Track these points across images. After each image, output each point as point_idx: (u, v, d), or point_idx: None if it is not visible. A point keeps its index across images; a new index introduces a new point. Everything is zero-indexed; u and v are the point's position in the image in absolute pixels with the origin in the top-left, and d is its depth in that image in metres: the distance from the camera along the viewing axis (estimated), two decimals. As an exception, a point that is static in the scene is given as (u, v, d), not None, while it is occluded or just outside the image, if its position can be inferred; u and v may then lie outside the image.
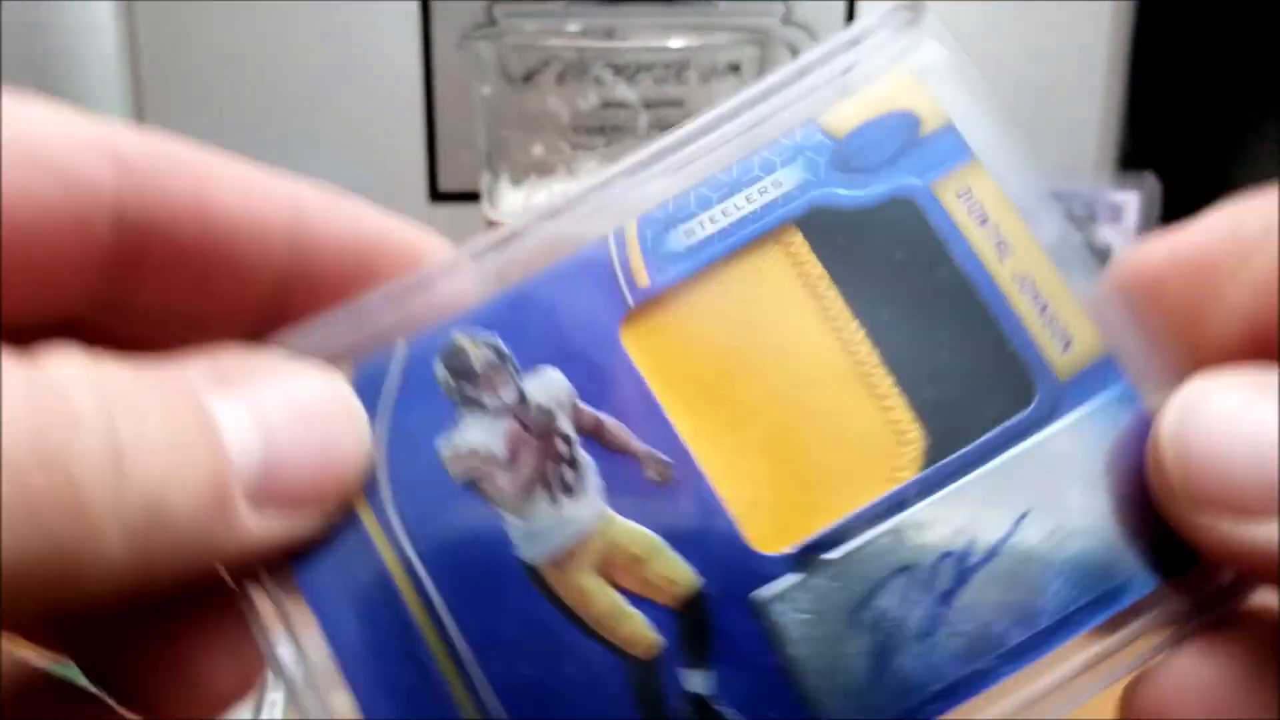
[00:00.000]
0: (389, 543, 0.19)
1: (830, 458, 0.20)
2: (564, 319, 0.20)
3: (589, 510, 0.19)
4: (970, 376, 0.20)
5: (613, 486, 0.19)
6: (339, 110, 0.59)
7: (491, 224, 0.53)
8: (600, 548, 0.19)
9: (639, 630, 0.19)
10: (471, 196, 0.57)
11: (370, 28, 0.57)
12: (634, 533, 0.19)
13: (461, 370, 0.20)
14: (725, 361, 0.20)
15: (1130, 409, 0.19)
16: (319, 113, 0.59)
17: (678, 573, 0.19)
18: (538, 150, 0.49)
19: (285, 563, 0.18)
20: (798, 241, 0.20)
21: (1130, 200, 0.59)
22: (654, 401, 0.20)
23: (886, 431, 0.20)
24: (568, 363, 0.20)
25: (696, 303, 0.20)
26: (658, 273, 0.20)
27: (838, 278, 0.20)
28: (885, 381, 0.20)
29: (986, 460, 0.19)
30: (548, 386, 0.20)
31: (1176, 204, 0.61)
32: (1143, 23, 0.61)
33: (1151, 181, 0.58)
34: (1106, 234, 0.60)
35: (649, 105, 0.47)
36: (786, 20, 0.58)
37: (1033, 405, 0.20)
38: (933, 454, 0.20)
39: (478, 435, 0.19)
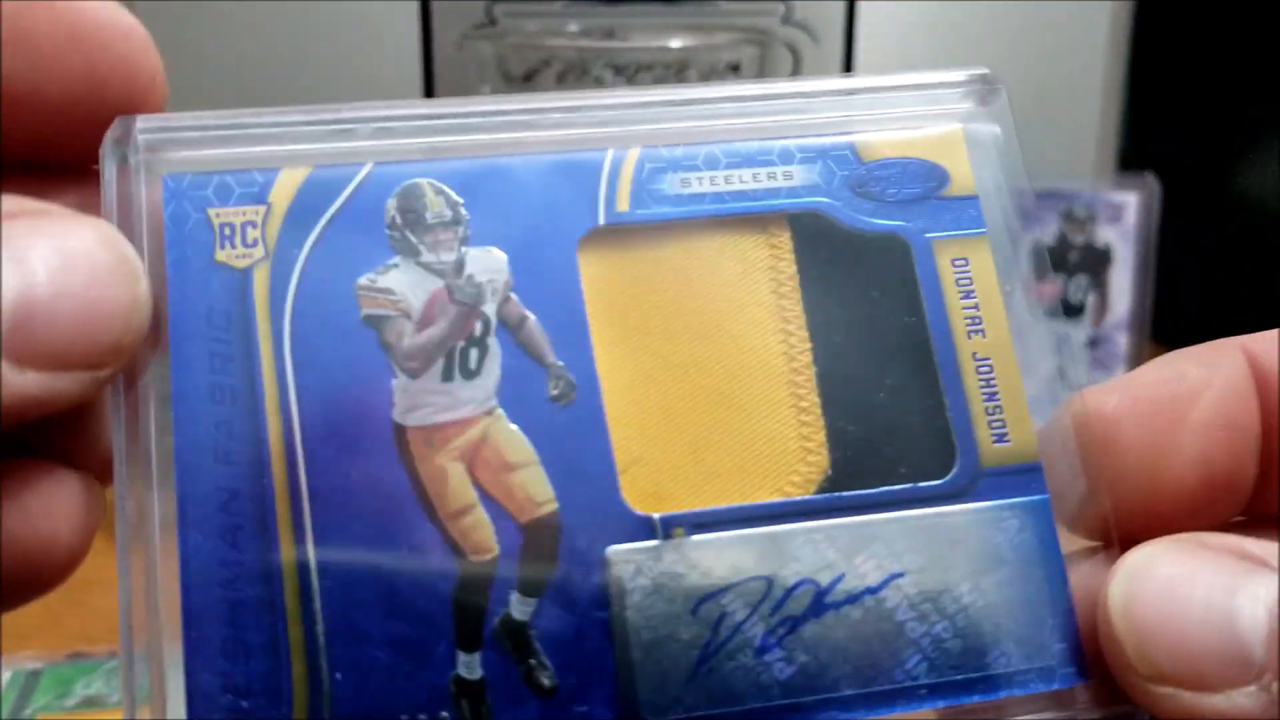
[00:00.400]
0: (272, 351, 0.18)
1: (731, 447, 0.20)
2: (532, 209, 0.19)
3: (480, 398, 0.19)
4: (896, 428, 0.20)
5: (511, 386, 0.19)
6: (339, 110, 0.59)
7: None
8: (475, 439, 0.19)
9: (483, 533, 0.18)
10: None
11: (370, 28, 0.57)
12: (515, 438, 0.19)
13: (412, 215, 0.19)
14: (667, 317, 0.20)
15: (1041, 524, 0.19)
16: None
17: (542, 493, 0.18)
18: (538, 150, 0.49)
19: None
20: (784, 237, 0.20)
21: (1130, 200, 0.59)
22: (584, 325, 0.19)
23: (795, 445, 0.20)
24: (517, 251, 0.19)
25: (664, 251, 0.20)
26: (639, 204, 0.20)
27: (807, 284, 0.20)
28: (812, 399, 0.20)
29: (880, 510, 0.19)
30: (488, 265, 0.19)
31: (1176, 204, 0.61)
32: (1143, 23, 0.61)
33: (1151, 181, 0.58)
34: (1106, 234, 0.60)
35: (649, 105, 0.47)
36: (786, 20, 0.58)
37: (946, 479, 0.20)
38: (830, 483, 0.19)
39: (400, 282, 0.19)
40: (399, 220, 0.19)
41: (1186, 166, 0.74)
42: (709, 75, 0.47)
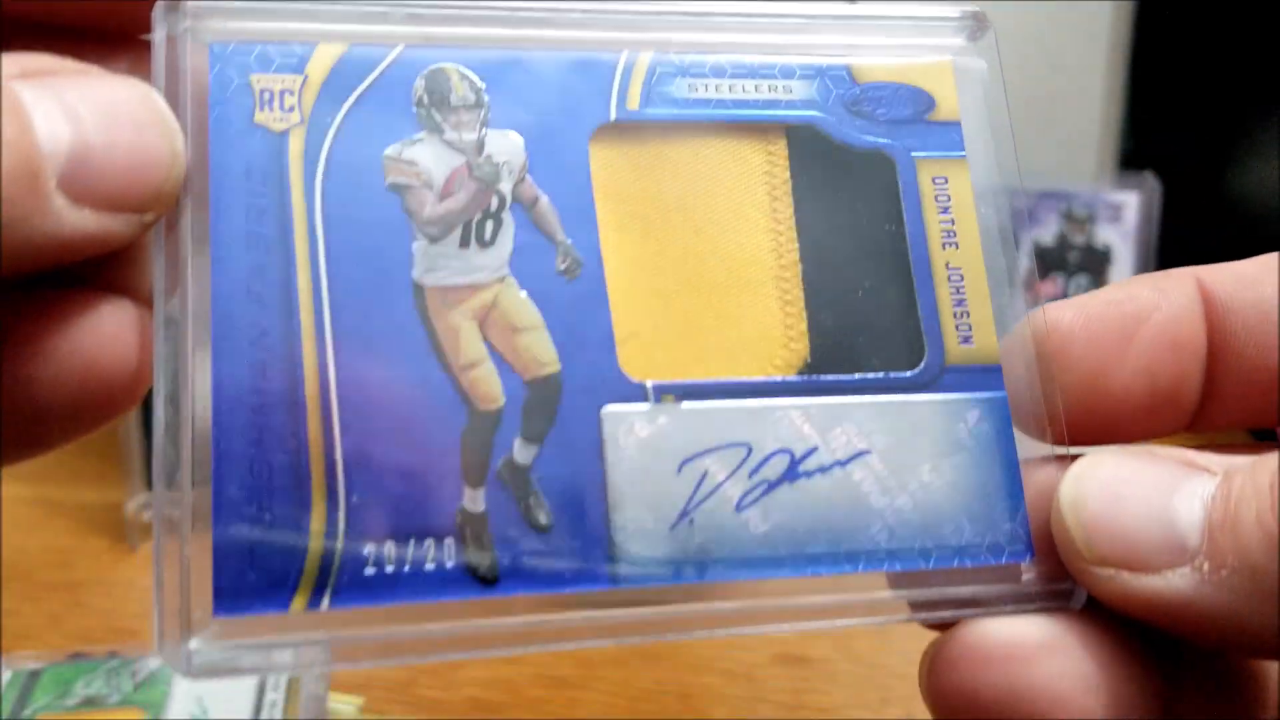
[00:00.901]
0: (305, 208, 0.20)
1: (721, 330, 0.21)
2: (549, 100, 0.21)
3: (493, 265, 0.20)
4: (871, 323, 0.22)
5: (522, 258, 0.20)
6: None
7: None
8: (487, 301, 0.20)
9: (491, 385, 0.20)
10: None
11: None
12: (523, 304, 0.20)
13: (438, 95, 0.21)
14: (668, 209, 0.22)
15: (998, 418, 0.21)
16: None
17: (546, 354, 0.20)
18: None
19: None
20: (780, 145, 0.22)
21: (1130, 200, 0.59)
22: (592, 209, 0.21)
23: (779, 331, 0.22)
24: (533, 137, 0.21)
25: (670, 149, 0.22)
26: (648, 104, 0.21)
27: (798, 190, 0.22)
28: (796, 292, 0.22)
29: (853, 394, 0.21)
30: (507, 147, 0.21)
31: (1176, 204, 0.61)
32: (1143, 23, 0.61)
33: (1151, 181, 0.58)
34: (1106, 234, 0.60)
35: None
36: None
37: (915, 372, 0.21)
38: (809, 368, 0.21)
39: (425, 154, 0.20)
40: (426, 99, 0.21)
41: (1186, 166, 0.74)
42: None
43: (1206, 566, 0.18)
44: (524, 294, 0.20)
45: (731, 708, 0.47)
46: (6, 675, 0.42)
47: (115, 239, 0.18)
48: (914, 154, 0.22)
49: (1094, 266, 0.58)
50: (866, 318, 0.22)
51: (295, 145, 0.20)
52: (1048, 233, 0.58)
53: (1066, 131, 0.61)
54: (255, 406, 0.19)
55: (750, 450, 0.20)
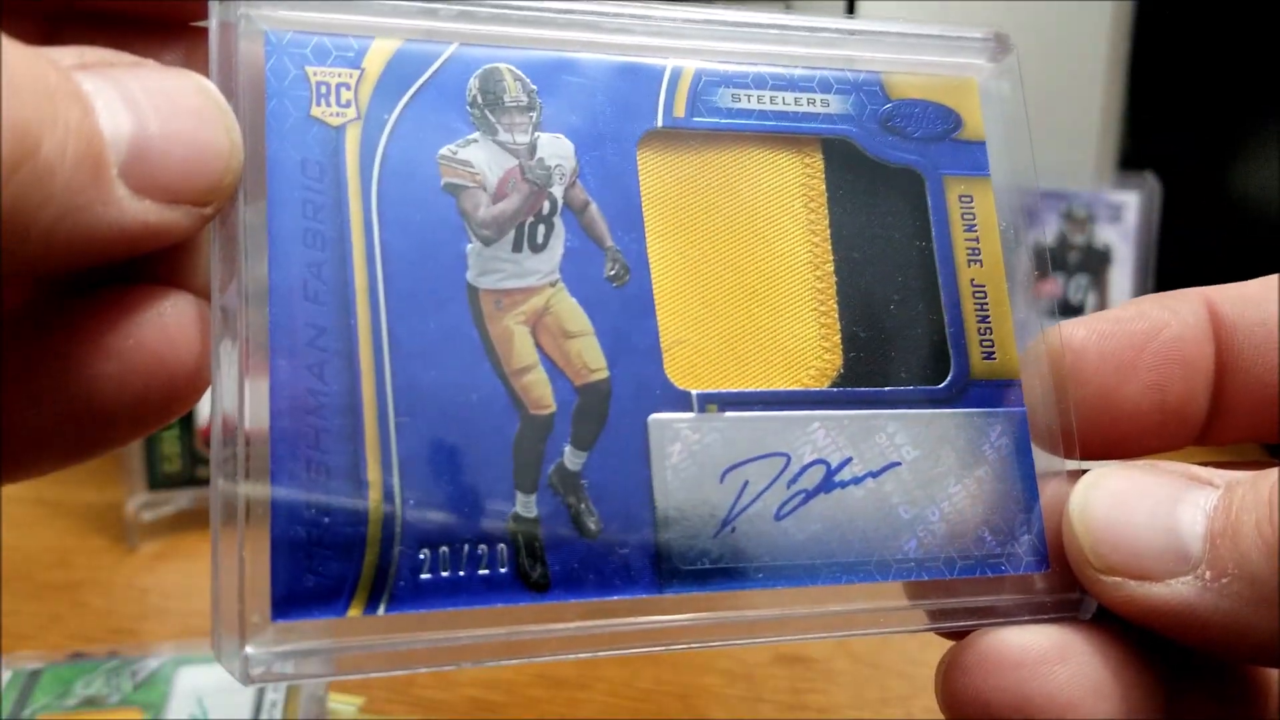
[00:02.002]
0: (361, 205, 0.19)
1: (760, 339, 0.22)
2: (598, 105, 0.21)
3: (545, 270, 0.20)
4: (901, 337, 0.22)
5: (572, 263, 0.21)
6: None
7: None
8: (539, 306, 0.20)
9: (543, 390, 0.20)
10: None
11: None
12: (574, 309, 0.20)
13: (492, 96, 0.21)
14: (711, 218, 0.22)
15: (1018, 432, 0.22)
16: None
17: (596, 361, 0.20)
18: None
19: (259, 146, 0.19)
20: (817, 158, 0.23)
21: (1130, 200, 0.59)
22: (640, 215, 0.21)
23: (815, 343, 0.22)
24: (583, 142, 0.21)
25: (713, 157, 0.22)
26: (694, 113, 0.22)
27: (833, 202, 0.23)
28: (831, 304, 0.22)
29: (883, 407, 0.22)
30: (558, 151, 0.21)
31: (1176, 204, 0.61)
32: (1143, 23, 0.61)
33: (1151, 181, 0.58)
34: (1106, 234, 0.60)
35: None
36: (786, 20, 0.58)
37: (941, 385, 0.22)
38: (842, 379, 0.22)
39: (479, 156, 0.20)
40: (480, 100, 0.21)
41: (1186, 166, 0.74)
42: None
43: (1208, 575, 0.19)
44: (574, 299, 0.21)
45: (731, 708, 0.47)
46: (6, 675, 0.42)
47: (175, 231, 0.18)
48: (942, 172, 0.23)
49: (1094, 266, 0.58)
50: (896, 331, 0.22)
51: (352, 141, 0.20)
52: (1048, 233, 0.58)
53: (1066, 131, 0.61)
54: (312, 408, 0.19)
55: (789, 460, 0.21)
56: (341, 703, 0.43)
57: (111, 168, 0.16)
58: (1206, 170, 0.73)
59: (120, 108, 0.17)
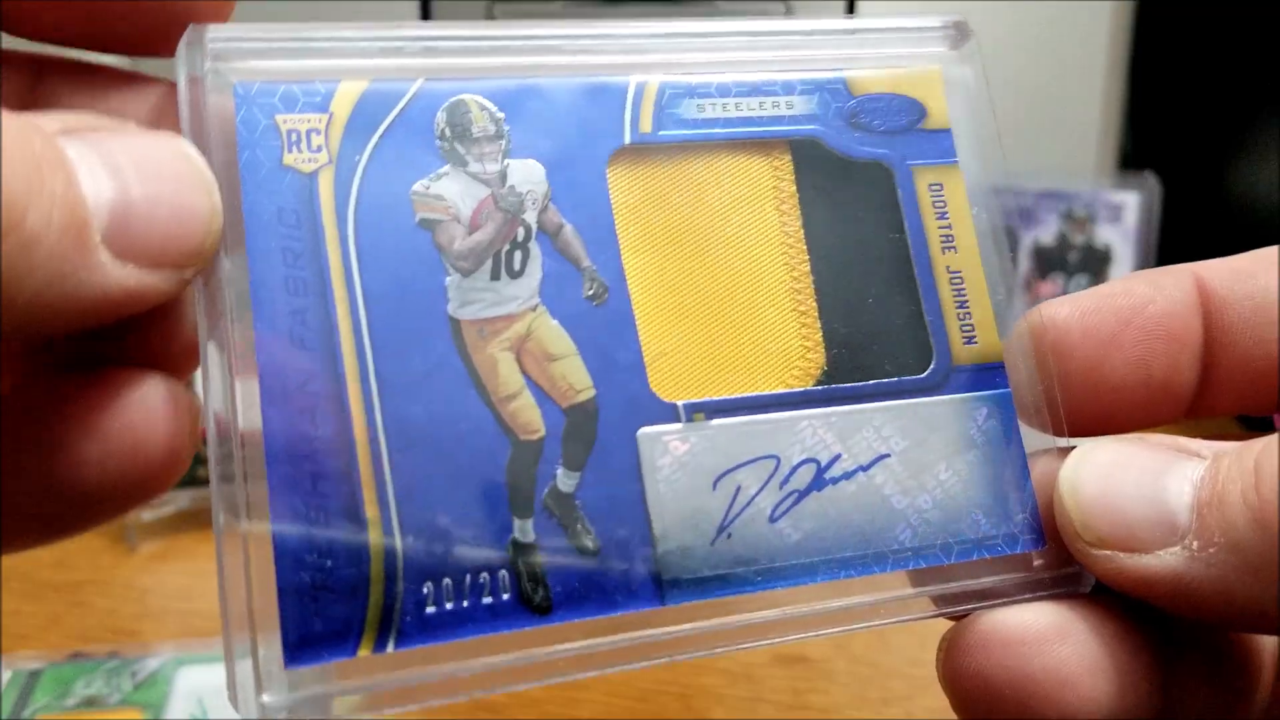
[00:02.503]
0: (339, 249, 0.20)
1: (741, 344, 0.22)
2: (566, 128, 0.21)
3: (524, 296, 0.21)
4: (881, 330, 0.23)
5: (551, 286, 0.21)
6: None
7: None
8: (521, 332, 0.21)
9: (531, 415, 0.20)
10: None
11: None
12: (556, 332, 0.21)
13: (460, 128, 0.21)
14: (685, 229, 0.22)
15: (1004, 414, 0.23)
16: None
17: (580, 380, 0.21)
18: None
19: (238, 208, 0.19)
20: (785, 160, 0.23)
21: (1130, 200, 0.59)
22: (613, 233, 0.21)
23: (796, 343, 0.22)
24: (553, 165, 0.21)
25: (683, 169, 0.22)
26: (660, 126, 0.22)
27: (805, 203, 0.23)
28: (810, 303, 0.23)
29: (869, 401, 0.22)
30: (529, 176, 0.21)
31: (1176, 204, 0.61)
32: (1143, 23, 0.61)
33: (1151, 181, 0.58)
34: (1106, 234, 0.60)
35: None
36: (786, 20, 0.58)
37: (925, 374, 0.23)
38: (826, 376, 0.22)
39: (451, 189, 0.21)
40: (448, 133, 0.21)
41: (1186, 166, 0.74)
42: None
43: (1196, 544, 0.19)
44: (555, 322, 0.21)
45: (731, 708, 0.47)
46: (6, 675, 0.42)
47: (157, 294, 0.18)
48: (910, 163, 0.23)
49: (1094, 266, 0.58)
50: (876, 325, 0.23)
51: (325, 186, 0.20)
52: (1048, 233, 0.58)
53: (1066, 131, 0.61)
54: (306, 453, 0.19)
55: (779, 462, 0.21)
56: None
57: (95, 234, 0.17)
58: (1206, 170, 0.73)
59: (103, 174, 0.17)
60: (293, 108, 0.20)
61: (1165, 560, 0.19)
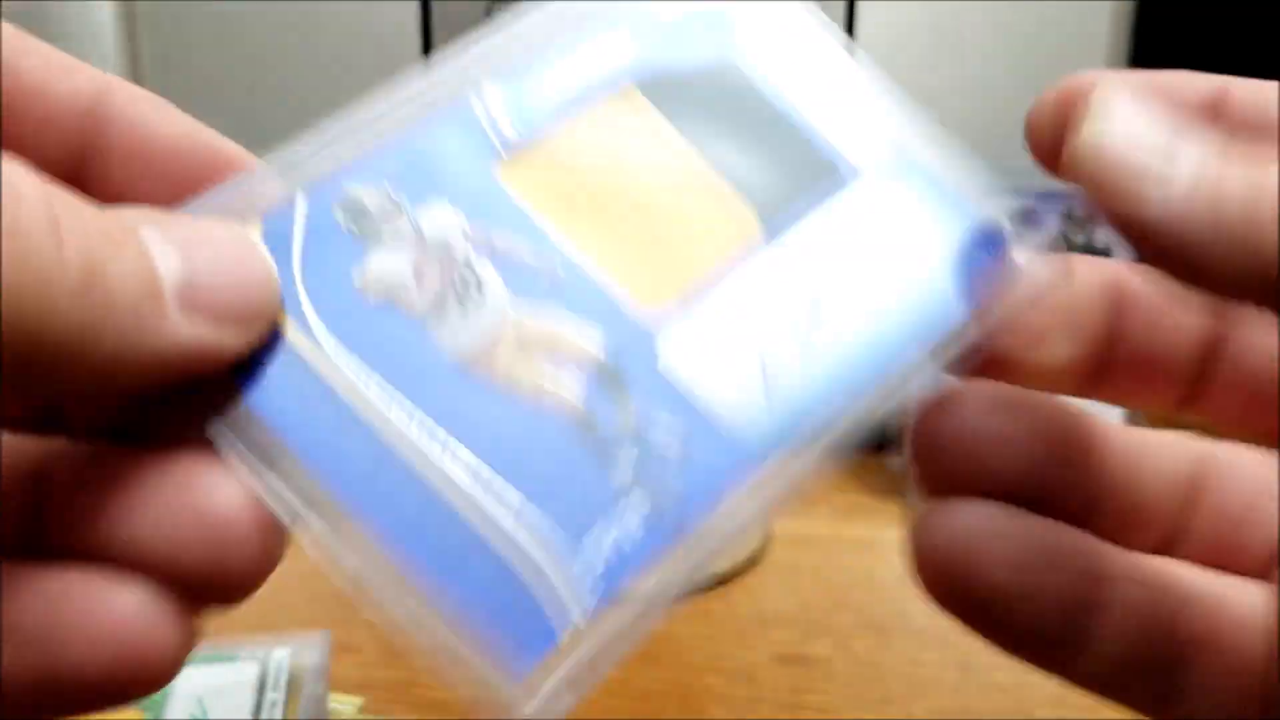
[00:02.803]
0: (339, 373, 0.21)
1: (690, 240, 0.24)
2: (443, 163, 0.23)
3: (497, 309, 0.22)
4: (788, 173, 0.25)
5: (515, 290, 0.22)
6: (339, 110, 0.59)
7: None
8: (515, 336, 0.22)
9: (569, 390, 0.22)
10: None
11: (370, 28, 0.58)
12: (543, 319, 0.22)
13: (359, 213, 0.22)
14: (591, 184, 0.24)
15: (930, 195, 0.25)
16: (320, 113, 0.59)
17: (589, 341, 0.22)
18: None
19: (240, 404, 0.20)
20: (639, 99, 0.25)
21: (1130, 200, 0.59)
22: (535, 223, 0.23)
23: (729, 220, 0.24)
24: (455, 197, 0.23)
25: (560, 143, 0.24)
26: (519, 124, 0.24)
27: (674, 119, 0.25)
28: (723, 185, 0.24)
29: (810, 219, 0.24)
30: (439, 218, 0.23)
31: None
32: (1143, 23, 0.61)
33: (1151, 182, 0.58)
34: (1107, 234, 0.60)
35: (649, 105, 0.47)
36: (786, 20, 0.58)
37: (842, 184, 0.25)
38: (768, 229, 0.24)
39: (384, 264, 0.22)
40: (352, 223, 0.22)
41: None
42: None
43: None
44: (535, 317, 0.22)
45: (731, 708, 0.47)
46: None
47: (226, 350, 0.20)
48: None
49: (1094, 266, 0.58)
50: (783, 172, 0.25)
51: (292, 332, 0.21)
52: (1048, 233, 0.58)
53: (1066, 131, 0.61)
54: (419, 529, 0.20)
55: (784, 310, 0.23)
56: (342, 703, 0.43)
57: (166, 292, 0.19)
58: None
59: (170, 246, 0.19)
60: None
61: (1147, 198, 0.20)
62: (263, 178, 0.22)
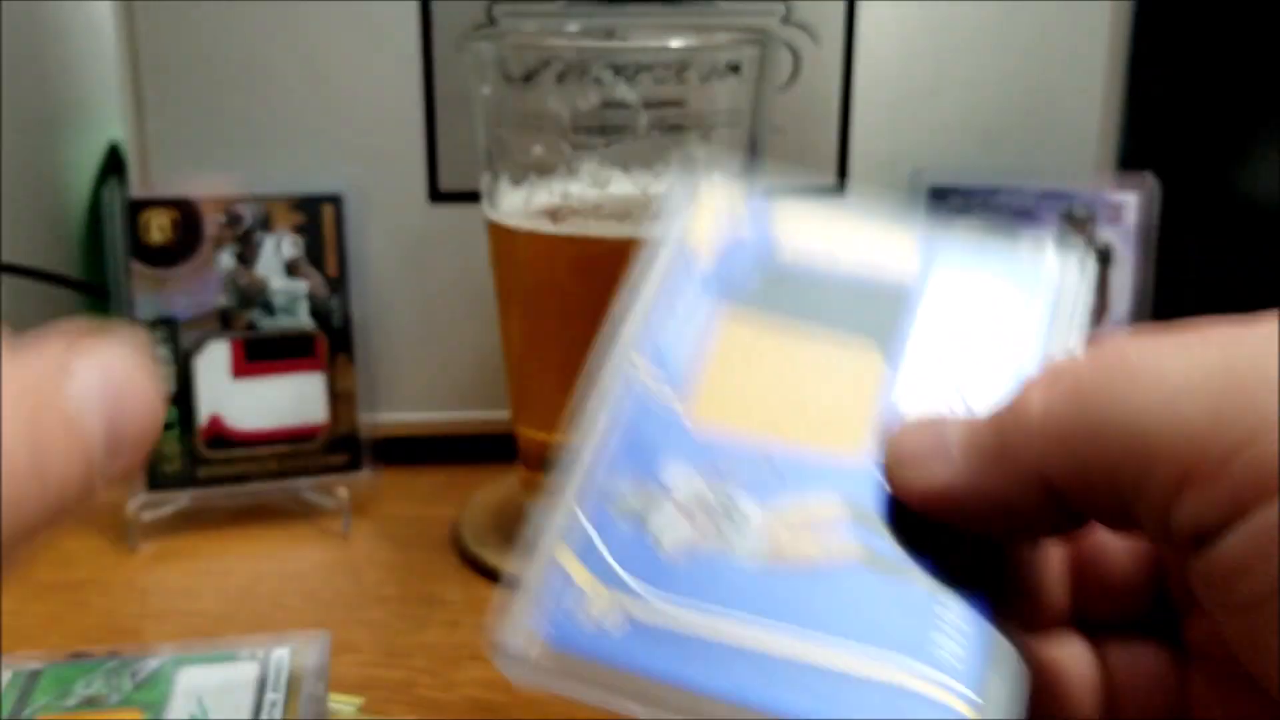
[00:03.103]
0: (661, 609, 0.24)
1: (843, 388, 0.28)
2: (650, 436, 0.27)
3: (758, 515, 0.26)
4: (870, 310, 0.30)
5: (759, 496, 0.26)
6: (339, 110, 0.59)
7: (491, 224, 0.53)
8: (783, 526, 0.26)
9: (842, 538, 0.25)
10: (471, 196, 0.57)
11: (370, 28, 0.57)
12: (791, 507, 0.26)
13: (623, 500, 0.26)
14: (751, 387, 0.28)
15: None
16: (319, 113, 0.59)
17: (830, 500, 0.26)
18: (538, 150, 0.49)
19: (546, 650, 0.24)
20: (729, 307, 0.30)
21: (1130, 200, 0.59)
22: (733, 439, 0.27)
23: (857, 362, 0.29)
24: (675, 454, 0.27)
25: (711, 372, 0.28)
26: (674, 375, 0.28)
27: (765, 312, 0.30)
28: (835, 339, 0.29)
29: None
30: (676, 474, 0.27)
31: (1176, 204, 0.61)
32: (1143, 23, 0.61)
33: (1151, 181, 0.58)
34: (1106, 234, 0.60)
35: (649, 105, 0.47)
36: (786, 20, 0.58)
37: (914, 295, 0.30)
38: (888, 355, 0.28)
39: (666, 527, 0.26)
40: (626, 510, 0.26)
41: (1186, 166, 0.74)
42: (709, 75, 0.47)
43: (957, 454, 0.25)
44: (783, 502, 0.26)
45: (731, 708, 0.47)
46: (6, 675, 0.42)
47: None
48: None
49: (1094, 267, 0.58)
50: (868, 312, 0.30)
51: (621, 599, 0.25)
52: (1048, 233, 0.58)
53: (1066, 131, 0.61)
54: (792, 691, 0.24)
55: (940, 406, 0.28)
56: (342, 703, 0.43)
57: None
58: (1206, 170, 0.73)
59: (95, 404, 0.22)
60: None
61: (935, 472, 0.25)
62: (547, 512, 0.26)
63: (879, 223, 0.31)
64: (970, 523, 0.25)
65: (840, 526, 0.25)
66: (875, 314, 0.29)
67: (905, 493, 0.25)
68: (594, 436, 0.27)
